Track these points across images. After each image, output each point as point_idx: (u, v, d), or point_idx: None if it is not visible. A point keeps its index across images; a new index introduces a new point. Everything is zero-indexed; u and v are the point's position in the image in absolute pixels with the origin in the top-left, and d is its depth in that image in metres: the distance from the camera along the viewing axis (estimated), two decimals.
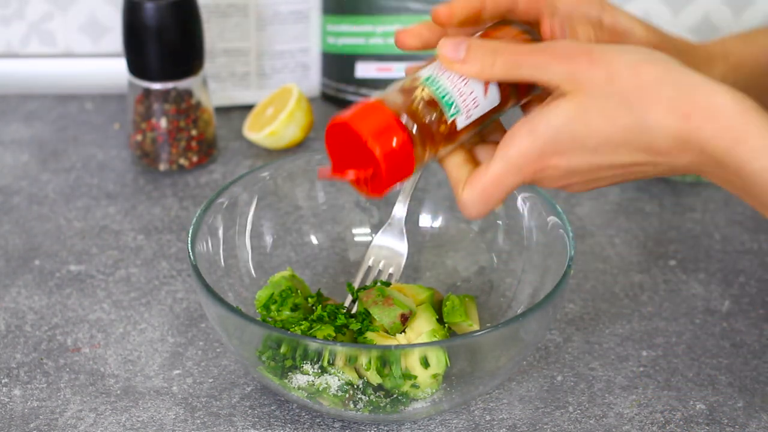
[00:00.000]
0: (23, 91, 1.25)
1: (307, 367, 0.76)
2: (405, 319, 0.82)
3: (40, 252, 0.99)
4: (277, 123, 1.12)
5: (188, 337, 0.90)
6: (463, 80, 0.72)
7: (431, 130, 0.71)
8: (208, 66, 1.19)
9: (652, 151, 0.68)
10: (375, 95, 0.72)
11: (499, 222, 0.91)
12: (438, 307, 0.86)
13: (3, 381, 0.85)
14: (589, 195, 1.07)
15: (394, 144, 0.70)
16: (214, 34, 1.19)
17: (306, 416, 0.82)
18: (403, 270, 0.89)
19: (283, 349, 0.76)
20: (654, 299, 0.94)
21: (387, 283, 0.86)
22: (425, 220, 0.94)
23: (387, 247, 0.89)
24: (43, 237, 1.01)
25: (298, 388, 0.77)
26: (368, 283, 0.88)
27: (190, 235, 0.82)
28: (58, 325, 0.91)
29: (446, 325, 0.85)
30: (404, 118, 0.71)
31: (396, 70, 1.19)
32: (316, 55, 1.23)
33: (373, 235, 0.92)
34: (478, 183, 0.70)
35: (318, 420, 0.82)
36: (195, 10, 1.07)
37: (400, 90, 0.72)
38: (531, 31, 0.75)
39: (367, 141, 0.70)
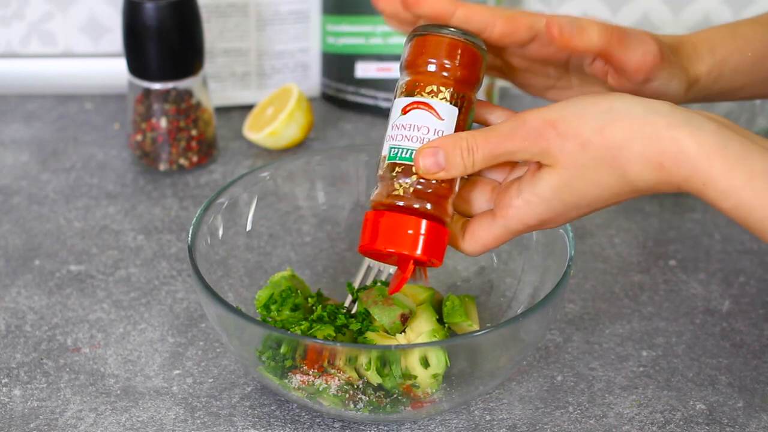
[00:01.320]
0: (23, 91, 1.25)
1: (307, 366, 0.76)
2: (405, 319, 0.82)
3: (40, 252, 0.99)
4: (277, 123, 1.12)
5: (188, 337, 0.90)
6: (413, 126, 0.73)
7: (435, 190, 0.73)
8: (208, 66, 1.19)
9: (639, 192, 0.72)
10: (371, 200, 0.75)
11: None
12: (438, 307, 0.86)
13: (3, 381, 0.85)
14: None
15: (422, 233, 0.73)
16: (214, 34, 1.19)
17: (306, 416, 0.82)
18: None
19: (283, 349, 0.76)
20: (654, 299, 0.94)
21: (387, 283, 0.86)
22: None
23: None
24: (43, 237, 1.01)
25: (298, 388, 0.77)
26: (368, 283, 0.88)
27: (190, 235, 0.82)
28: (58, 325, 0.91)
29: (446, 325, 0.85)
30: (407, 203, 0.73)
31: (395, 70, 1.19)
32: (316, 55, 1.23)
33: None
34: (478, 240, 0.75)
35: (318, 420, 0.82)
36: (195, 10, 1.07)
37: (381, 182, 0.74)
38: (474, 38, 0.75)
39: (402, 253, 0.73)
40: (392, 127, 0.74)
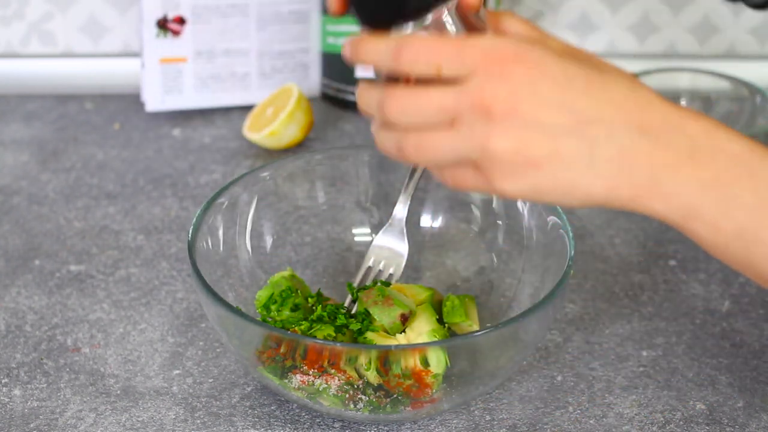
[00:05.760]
0: (23, 91, 1.25)
1: (307, 366, 0.76)
2: (405, 319, 0.82)
3: (40, 252, 0.99)
4: (277, 123, 1.12)
5: (188, 337, 0.90)
6: None
7: None
8: (209, 66, 1.19)
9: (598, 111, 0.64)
10: None
11: (499, 222, 0.91)
12: (438, 307, 0.86)
13: (3, 381, 0.85)
14: None
15: None
16: (214, 35, 1.19)
17: (306, 416, 0.82)
18: (403, 270, 0.89)
19: (283, 349, 0.76)
20: (654, 299, 0.94)
21: (387, 283, 0.86)
22: (426, 221, 0.94)
23: (387, 247, 0.89)
24: (43, 237, 1.01)
25: (298, 388, 0.77)
26: (368, 283, 0.88)
27: (190, 235, 0.82)
28: (58, 325, 0.91)
29: (446, 325, 0.85)
30: None
31: None
32: (316, 55, 1.23)
33: (374, 235, 0.92)
34: None
35: (318, 420, 0.82)
36: None
37: None
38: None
39: None
40: None
